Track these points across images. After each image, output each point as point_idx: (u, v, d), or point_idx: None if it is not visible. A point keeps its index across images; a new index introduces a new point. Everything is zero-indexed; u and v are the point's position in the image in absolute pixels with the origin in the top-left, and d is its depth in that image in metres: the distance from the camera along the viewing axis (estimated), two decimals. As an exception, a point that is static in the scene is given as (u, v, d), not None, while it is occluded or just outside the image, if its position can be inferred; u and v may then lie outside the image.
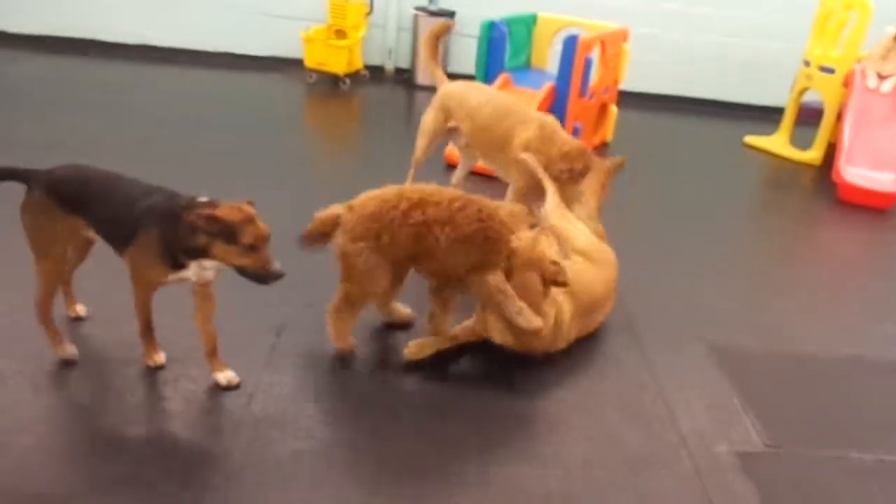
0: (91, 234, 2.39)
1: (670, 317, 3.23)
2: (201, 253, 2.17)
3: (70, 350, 2.49)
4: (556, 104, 4.98)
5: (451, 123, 3.81)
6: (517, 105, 3.62)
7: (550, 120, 3.52)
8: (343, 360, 2.68)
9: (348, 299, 2.62)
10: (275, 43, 6.78)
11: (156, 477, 2.06)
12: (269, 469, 2.14)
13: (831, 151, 5.51)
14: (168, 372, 2.49)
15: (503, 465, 2.27)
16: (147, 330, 2.44)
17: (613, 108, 5.63)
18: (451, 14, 6.59)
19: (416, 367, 2.69)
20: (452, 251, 2.51)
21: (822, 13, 5.57)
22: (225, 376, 2.44)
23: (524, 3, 6.07)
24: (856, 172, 5.06)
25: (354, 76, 6.60)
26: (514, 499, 2.15)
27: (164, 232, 2.17)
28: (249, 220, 2.13)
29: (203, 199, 2.19)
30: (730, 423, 2.58)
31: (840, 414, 2.73)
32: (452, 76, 6.83)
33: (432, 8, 6.55)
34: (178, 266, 2.23)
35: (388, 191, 2.60)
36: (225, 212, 2.11)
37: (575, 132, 5.05)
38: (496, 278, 2.51)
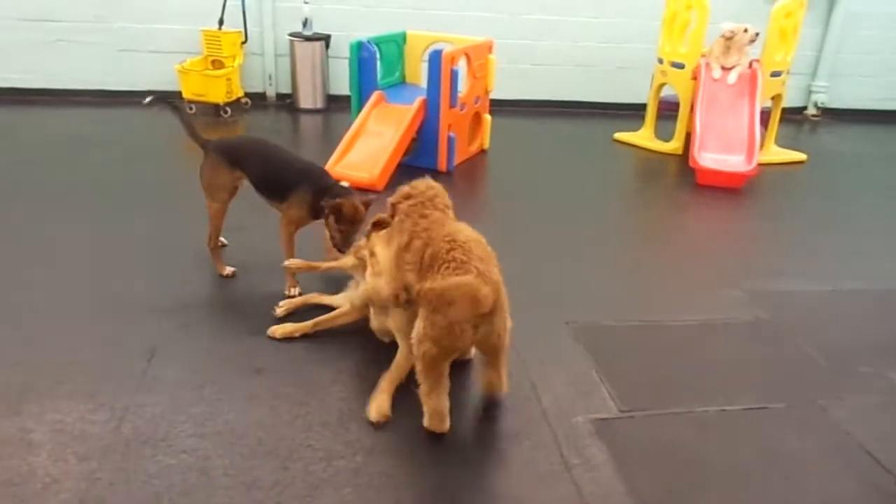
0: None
1: (536, 302, 3.44)
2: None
3: (228, 270, 3.47)
4: (429, 116, 5.19)
5: None
6: None
7: None
8: None
9: None
10: (150, 77, 6.70)
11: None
12: (140, 485, 2.18)
13: (690, 140, 5.94)
14: (33, 405, 2.49)
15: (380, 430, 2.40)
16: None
17: (487, 117, 5.88)
18: (325, 38, 6.72)
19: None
20: None
21: (669, 14, 6.02)
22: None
23: (395, 23, 6.30)
24: (709, 157, 5.49)
25: (235, 104, 6.62)
26: (395, 464, 2.27)
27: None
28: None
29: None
30: (587, 394, 2.79)
31: (688, 374, 3.00)
32: (332, 98, 7.03)
33: (307, 33, 6.66)
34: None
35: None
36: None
37: (449, 142, 5.27)
38: None
